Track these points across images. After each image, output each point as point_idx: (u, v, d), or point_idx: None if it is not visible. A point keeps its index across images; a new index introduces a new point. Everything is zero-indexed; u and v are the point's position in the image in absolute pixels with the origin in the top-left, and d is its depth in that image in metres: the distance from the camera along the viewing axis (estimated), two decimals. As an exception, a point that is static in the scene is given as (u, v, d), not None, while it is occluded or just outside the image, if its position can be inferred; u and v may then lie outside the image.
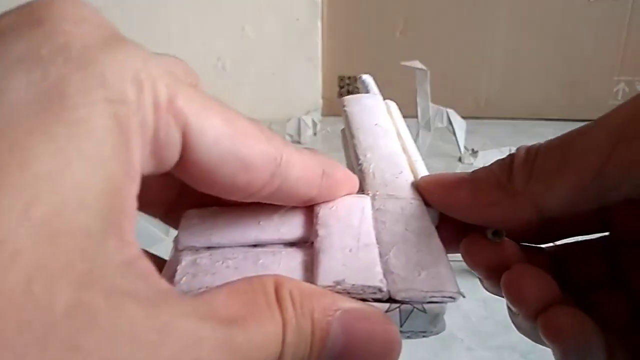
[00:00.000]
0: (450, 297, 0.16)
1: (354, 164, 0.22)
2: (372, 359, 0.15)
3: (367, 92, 0.28)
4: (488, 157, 1.07)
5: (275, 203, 0.18)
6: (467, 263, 0.20)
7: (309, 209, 0.18)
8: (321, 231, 0.17)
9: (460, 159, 1.12)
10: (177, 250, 0.17)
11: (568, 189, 0.16)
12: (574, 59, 1.53)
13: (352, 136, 0.23)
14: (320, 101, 1.53)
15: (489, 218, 0.18)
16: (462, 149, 1.18)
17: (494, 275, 0.20)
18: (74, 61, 0.12)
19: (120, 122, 0.12)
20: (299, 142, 1.30)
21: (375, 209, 0.19)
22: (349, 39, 1.52)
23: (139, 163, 0.13)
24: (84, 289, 0.11)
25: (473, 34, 1.51)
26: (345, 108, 0.25)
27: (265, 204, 0.17)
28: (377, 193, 0.19)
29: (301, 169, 0.17)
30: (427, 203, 0.19)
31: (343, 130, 0.25)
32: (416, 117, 1.19)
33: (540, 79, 1.55)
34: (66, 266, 0.10)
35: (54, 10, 0.13)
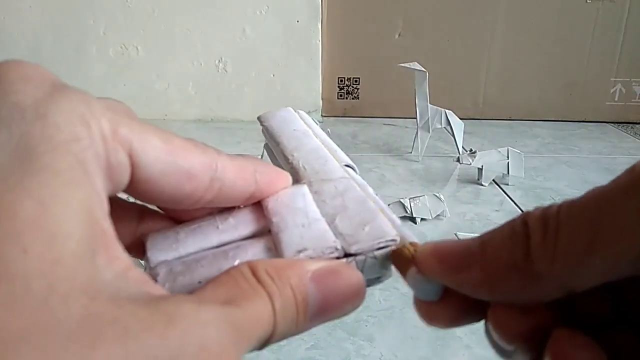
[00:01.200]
0: (392, 240, 0.19)
1: (284, 165, 0.24)
2: (346, 303, 0.18)
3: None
4: (486, 157, 1.08)
5: (221, 205, 0.20)
6: (498, 335, 0.17)
7: (258, 206, 0.21)
8: (275, 218, 0.20)
9: (458, 160, 1.13)
10: (150, 268, 0.19)
11: (601, 271, 0.14)
12: (572, 61, 1.54)
13: (277, 143, 0.25)
14: (320, 102, 1.54)
15: (507, 299, 0.16)
16: (461, 149, 1.19)
17: (532, 343, 0.17)
18: (30, 116, 0.14)
19: (79, 158, 0.14)
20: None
21: (313, 192, 0.21)
22: (349, 40, 1.53)
23: (101, 187, 0.15)
24: (91, 300, 0.13)
25: (471, 36, 1.52)
26: (264, 123, 0.27)
27: (218, 211, 0.21)
28: (312, 180, 0.22)
29: (235, 170, 0.19)
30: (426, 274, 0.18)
31: (266, 145, 0.27)
32: (415, 117, 1.20)
33: (538, 80, 1.56)
34: (70, 285, 0.13)
35: (1, 76, 0.15)
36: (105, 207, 0.15)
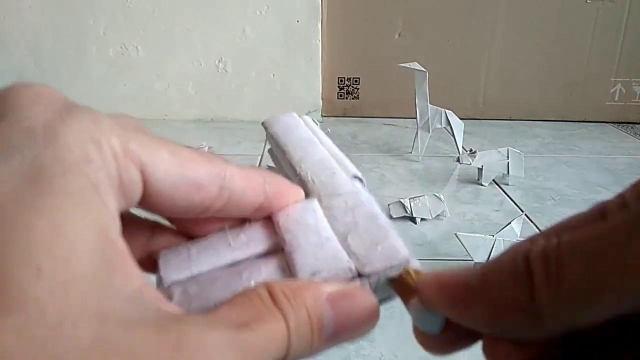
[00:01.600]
0: (405, 260, 0.19)
1: (292, 176, 0.23)
2: (360, 326, 0.18)
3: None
4: (486, 157, 1.08)
5: (230, 215, 0.20)
6: None
7: (269, 222, 0.21)
8: (287, 236, 0.20)
9: (458, 159, 1.13)
10: (163, 287, 0.19)
11: (606, 310, 0.14)
12: (571, 61, 1.54)
13: (283, 152, 0.25)
14: (320, 102, 1.54)
15: (509, 335, 0.16)
16: (461, 149, 1.19)
17: None
18: (41, 140, 0.15)
19: (91, 178, 0.15)
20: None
21: (324, 207, 0.21)
22: (349, 40, 1.53)
23: (114, 206, 0.16)
24: (101, 324, 0.13)
25: (471, 36, 1.52)
26: (269, 130, 0.26)
27: (229, 226, 0.21)
28: (321, 194, 0.22)
29: (244, 179, 0.19)
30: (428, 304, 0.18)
31: (271, 151, 0.27)
32: (415, 117, 1.20)
33: (538, 80, 1.56)
34: (82, 308, 0.13)
35: (11, 101, 0.16)
36: (117, 225, 0.15)
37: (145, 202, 0.17)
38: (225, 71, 1.50)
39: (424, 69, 1.13)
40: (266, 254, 0.20)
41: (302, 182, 0.23)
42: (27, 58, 1.49)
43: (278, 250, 0.20)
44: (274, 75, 1.50)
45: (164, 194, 0.17)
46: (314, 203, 0.21)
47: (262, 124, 0.27)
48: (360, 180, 0.23)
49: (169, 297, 0.18)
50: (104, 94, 1.52)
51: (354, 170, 0.23)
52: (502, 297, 0.15)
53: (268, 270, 0.19)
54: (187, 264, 0.19)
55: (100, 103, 1.52)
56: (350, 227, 0.20)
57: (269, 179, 0.20)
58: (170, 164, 0.17)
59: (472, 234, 0.76)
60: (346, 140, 1.38)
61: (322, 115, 1.54)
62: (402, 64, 1.13)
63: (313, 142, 0.25)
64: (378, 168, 1.18)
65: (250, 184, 0.19)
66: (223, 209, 0.19)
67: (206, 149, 1.24)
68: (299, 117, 0.28)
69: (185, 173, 0.17)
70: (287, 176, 0.24)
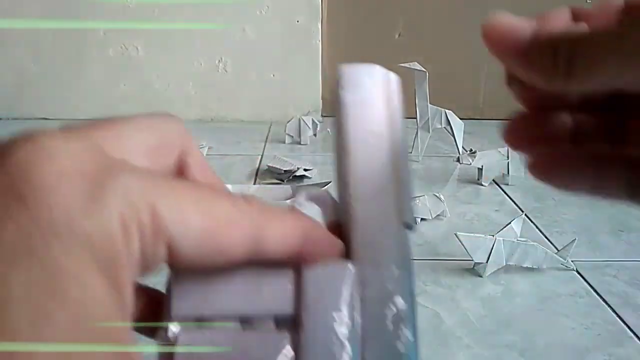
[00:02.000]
0: None
1: (344, 194, 0.20)
2: None
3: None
4: (486, 157, 1.08)
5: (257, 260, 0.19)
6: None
7: (294, 276, 0.18)
8: (304, 315, 0.18)
9: (458, 159, 1.13)
10: (170, 316, 0.18)
11: (601, 83, 0.19)
12: (572, 61, 1.54)
13: (345, 153, 0.20)
14: (320, 102, 1.54)
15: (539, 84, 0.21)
16: (461, 149, 1.19)
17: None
18: (64, 239, 0.14)
19: (112, 276, 0.14)
20: (299, 143, 1.31)
21: (359, 282, 0.18)
22: (349, 40, 1.53)
23: (130, 296, 0.15)
24: None
25: (471, 36, 1.52)
26: (341, 92, 0.21)
27: (253, 270, 0.19)
28: (361, 255, 0.19)
29: (280, 237, 0.17)
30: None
31: (336, 93, 0.22)
32: (415, 117, 1.20)
33: (538, 80, 1.56)
34: None
35: (35, 179, 0.14)
36: (130, 317, 0.15)
37: (167, 264, 0.17)
38: (226, 71, 1.50)
39: (424, 69, 1.13)
40: (283, 322, 0.18)
41: (349, 218, 0.19)
42: (28, 58, 1.49)
43: (298, 322, 0.18)
44: (274, 75, 1.50)
45: (187, 260, 0.16)
46: (347, 276, 0.18)
47: (338, 75, 0.22)
48: (411, 227, 0.20)
49: (174, 341, 0.17)
50: (104, 93, 1.52)
51: (411, 214, 0.20)
52: (536, 60, 0.20)
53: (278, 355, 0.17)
54: (199, 300, 0.18)
55: (100, 103, 1.52)
56: (374, 334, 0.18)
57: (309, 232, 0.18)
58: (200, 235, 0.16)
59: (472, 234, 0.76)
60: (346, 140, 1.38)
61: (322, 115, 1.54)
62: (402, 64, 1.13)
63: (381, 144, 0.20)
64: (378, 168, 1.18)
65: (287, 240, 0.18)
66: (248, 260, 0.18)
67: (206, 149, 1.24)
68: (384, 77, 0.22)
69: (217, 241, 0.16)
70: (340, 186, 0.20)
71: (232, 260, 0.17)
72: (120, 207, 0.14)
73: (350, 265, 0.18)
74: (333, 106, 0.22)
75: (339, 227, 0.20)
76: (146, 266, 0.15)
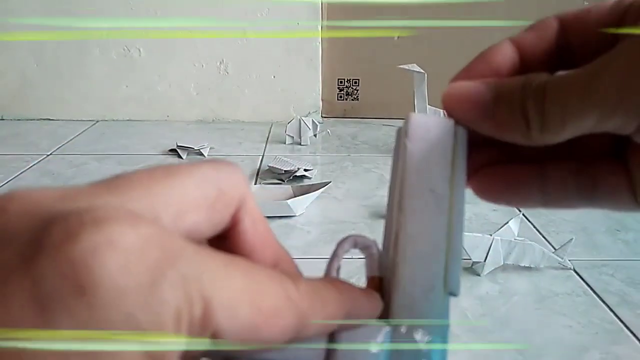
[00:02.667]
0: None
1: (392, 251, 0.19)
2: None
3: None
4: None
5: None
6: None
7: (329, 337, 0.18)
8: None
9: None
10: None
11: (580, 129, 0.18)
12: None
13: (401, 209, 0.19)
14: (320, 103, 1.55)
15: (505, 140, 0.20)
16: (460, 150, 1.19)
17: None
18: (119, 336, 0.13)
19: None
20: (299, 144, 1.31)
21: (392, 345, 0.18)
22: (348, 42, 1.53)
23: None
24: None
25: (470, 37, 1.53)
26: (407, 142, 0.20)
27: None
28: (399, 318, 0.18)
29: (322, 322, 0.17)
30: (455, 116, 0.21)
31: (399, 141, 0.21)
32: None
33: (537, 81, 1.56)
34: None
35: (95, 273, 0.13)
36: None
37: None
38: (227, 73, 1.50)
39: (422, 71, 1.14)
40: None
41: (391, 274, 0.19)
42: (29, 58, 1.50)
43: None
44: (274, 77, 1.51)
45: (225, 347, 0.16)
46: (381, 338, 0.18)
47: (406, 122, 0.21)
48: (454, 294, 0.19)
49: None
50: (106, 95, 1.53)
51: (456, 280, 0.19)
52: (506, 121, 0.20)
53: None
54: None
55: (102, 104, 1.53)
56: None
57: (351, 309, 0.18)
58: (247, 329, 0.15)
59: (470, 233, 0.77)
60: (346, 140, 1.39)
61: (322, 116, 1.55)
62: (401, 66, 1.14)
63: (439, 206, 0.19)
64: (377, 168, 1.19)
65: (329, 325, 0.17)
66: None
67: (208, 149, 1.25)
68: (452, 130, 0.20)
69: (258, 336, 0.16)
70: (390, 226, 0.20)
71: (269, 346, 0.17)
72: (176, 300, 0.14)
73: (385, 330, 0.18)
74: (394, 151, 0.21)
75: (381, 281, 0.20)
76: (187, 353, 0.15)
